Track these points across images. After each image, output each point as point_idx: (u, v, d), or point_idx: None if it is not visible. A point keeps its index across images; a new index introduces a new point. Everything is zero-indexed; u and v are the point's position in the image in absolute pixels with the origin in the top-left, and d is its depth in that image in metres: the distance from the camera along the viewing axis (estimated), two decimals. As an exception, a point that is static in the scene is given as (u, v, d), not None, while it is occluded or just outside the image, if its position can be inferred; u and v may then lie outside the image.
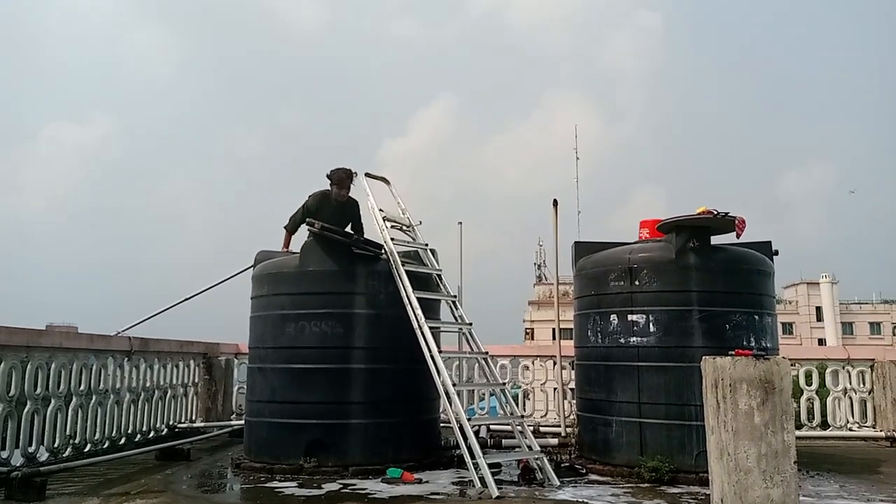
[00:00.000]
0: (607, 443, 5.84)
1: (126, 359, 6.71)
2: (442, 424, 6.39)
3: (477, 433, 5.67)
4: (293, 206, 6.64)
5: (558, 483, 5.24)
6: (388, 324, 5.92)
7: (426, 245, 6.72)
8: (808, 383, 8.17)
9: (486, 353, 6.28)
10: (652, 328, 5.71)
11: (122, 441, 6.53)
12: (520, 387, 8.60)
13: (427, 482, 5.27)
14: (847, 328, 53.32)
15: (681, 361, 5.49)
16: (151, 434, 7.10)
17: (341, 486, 5.16)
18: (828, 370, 8.21)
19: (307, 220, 6.26)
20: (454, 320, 6.37)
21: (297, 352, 5.86)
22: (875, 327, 54.44)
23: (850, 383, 8.10)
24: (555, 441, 6.86)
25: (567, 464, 5.94)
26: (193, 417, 8.09)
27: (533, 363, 8.65)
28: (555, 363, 8.05)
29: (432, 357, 5.56)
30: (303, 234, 6.34)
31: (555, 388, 8.09)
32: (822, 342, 47.87)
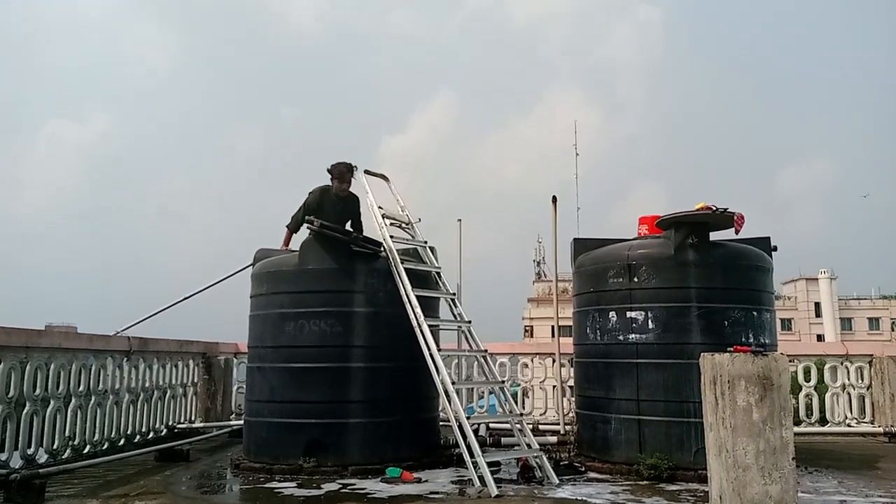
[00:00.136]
0: (606, 440, 5.84)
1: (125, 359, 6.69)
2: (441, 423, 6.39)
3: (476, 431, 5.67)
4: (293, 204, 6.64)
5: (557, 481, 5.24)
6: (387, 322, 5.91)
7: (425, 242, 6.71)
8: (807, 379, 8.19)
9: (486, 350, 6.27)
10: (651, 325, 5.70)
11: (122, 442, 6.53)
12: (519, 385, 8.61)
13: (426, 481, 5.26)
14: (846, 324, 53.41)
15: (679, 358, 5.49)
16: (150, 435, 7.09)
17: (340, 485, 5.15)
18: (826, 366, 8.23)
19: (306, 218, 6.25)
20: (453, 318, 6.37)
21: (297, 351, 5.86)
22: (874, 323, 54.51)
23: (849, 379, 8.11)
24: (554, 439, 6.87)
25: (566, 462, 5.94)
26: (193, 417, 8.09)
27: (532, 361, 8.65)
28: (554, 361, 8.05)
29: (431, 355, 5.55)
30: (303, 232, 6.34)
31: (554, 386, 8.08)
32: (820, 338, 47.83)
